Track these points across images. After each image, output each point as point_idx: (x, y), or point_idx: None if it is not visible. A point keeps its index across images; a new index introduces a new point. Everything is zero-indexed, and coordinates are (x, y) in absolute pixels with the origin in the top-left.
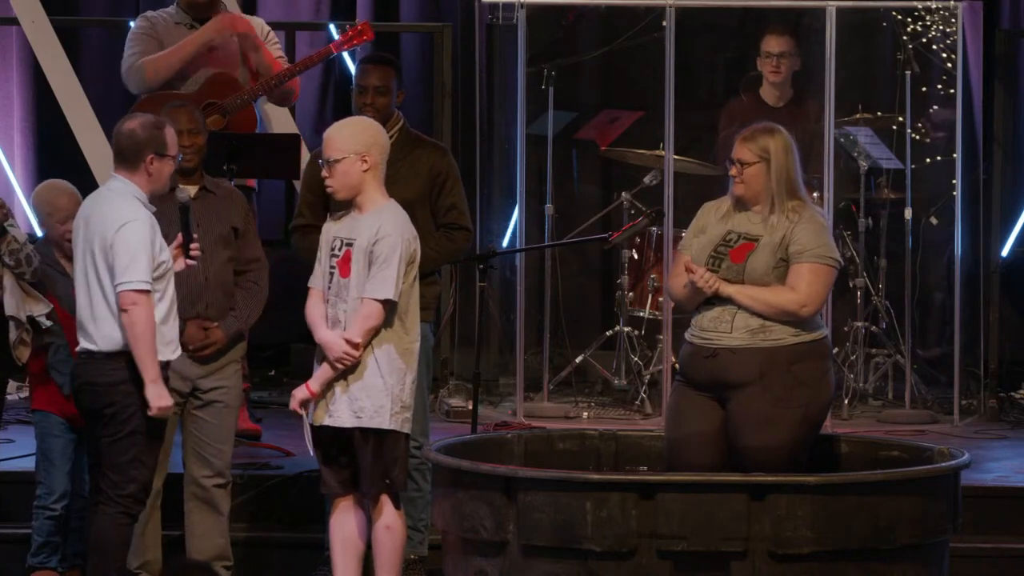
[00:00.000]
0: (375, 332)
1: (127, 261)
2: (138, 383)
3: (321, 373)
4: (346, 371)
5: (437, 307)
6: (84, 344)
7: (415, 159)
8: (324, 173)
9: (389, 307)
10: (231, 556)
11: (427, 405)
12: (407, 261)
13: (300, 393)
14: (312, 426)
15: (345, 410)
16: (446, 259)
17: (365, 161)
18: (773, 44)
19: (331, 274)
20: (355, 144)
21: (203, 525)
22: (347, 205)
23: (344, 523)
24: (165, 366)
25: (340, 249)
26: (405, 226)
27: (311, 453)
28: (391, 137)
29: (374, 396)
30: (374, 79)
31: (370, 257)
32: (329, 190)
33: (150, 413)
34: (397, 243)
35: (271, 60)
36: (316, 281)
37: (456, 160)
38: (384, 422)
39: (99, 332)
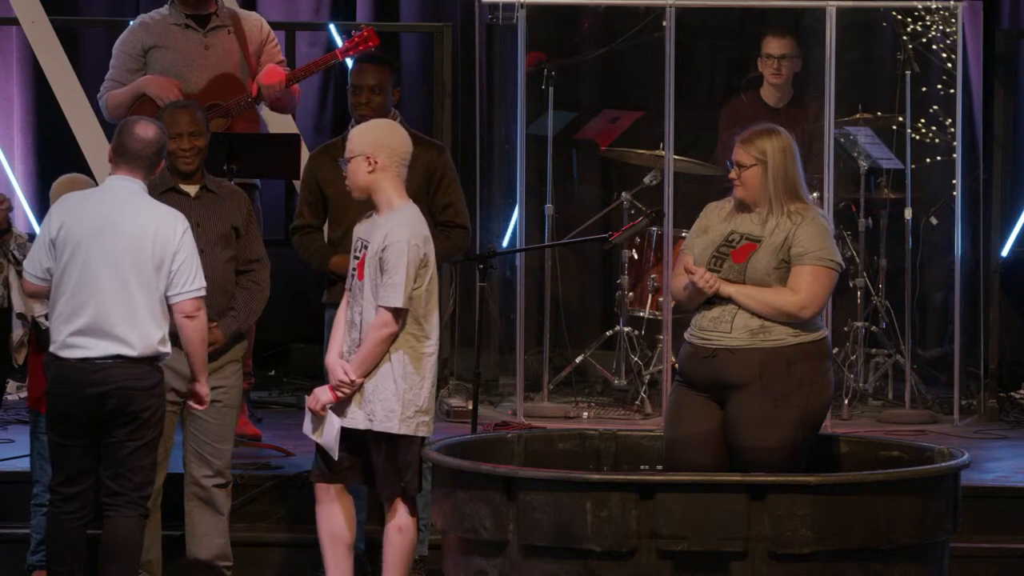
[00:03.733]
0: (393, 338)
1: (195, 267)
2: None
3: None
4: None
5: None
6: (117, 349)
7: (411, 158)
8: (344, 172)
9: (402, 314)
10: (231, 556)
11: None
12: (417, 266)
13: (324, 395)
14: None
15: (359, 412)
16: (443, 258)
17: (371, 162)
18: (774, 46)
19: (352, 275)
20: (363, 145)
21: (203, 525)
22: (371, 205)
23: (330, 517)
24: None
25: (360, 251)
26: (415, 230)
27: (335, 456)
28: None
29: (385, 400)
30: (369, 78)
31: (380, 264)
32: (347, 188)
33: (200, 408)
34: (403, 249)
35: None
36: (348, 282)
37: (456, 160)
38: (393, 427)
39: (138, 338)
